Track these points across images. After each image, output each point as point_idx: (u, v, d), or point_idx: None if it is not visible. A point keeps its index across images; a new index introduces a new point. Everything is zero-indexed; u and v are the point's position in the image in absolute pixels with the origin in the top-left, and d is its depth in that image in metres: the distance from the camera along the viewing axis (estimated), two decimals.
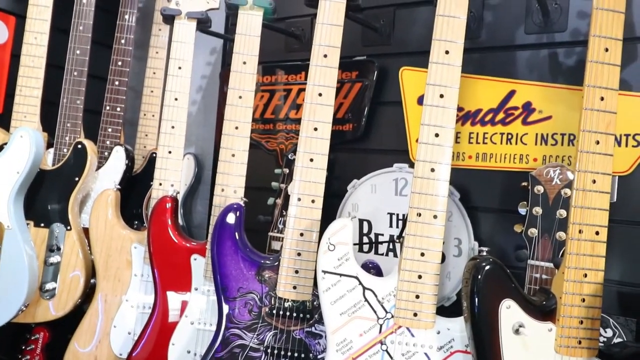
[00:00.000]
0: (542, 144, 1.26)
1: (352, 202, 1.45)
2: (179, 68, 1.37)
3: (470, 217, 1.30)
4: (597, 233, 0.90)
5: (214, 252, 1.12)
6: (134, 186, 1.67)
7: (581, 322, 0.89)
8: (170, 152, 1.36)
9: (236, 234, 1.13)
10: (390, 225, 1.39)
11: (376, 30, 1.49)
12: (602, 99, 0.90)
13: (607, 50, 0.90)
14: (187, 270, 1.25)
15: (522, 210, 1.15)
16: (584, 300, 0.89)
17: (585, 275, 0.89)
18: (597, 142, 0.90)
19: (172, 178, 1.36)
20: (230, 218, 1.13)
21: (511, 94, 1.29)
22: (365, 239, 1.43)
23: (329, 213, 1.45)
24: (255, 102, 1.67)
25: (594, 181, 0.90)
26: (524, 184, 1.15)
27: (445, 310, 1.28)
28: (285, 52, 1.67)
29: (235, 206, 1.14)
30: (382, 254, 1.40)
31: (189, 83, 1.38)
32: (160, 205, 1.27)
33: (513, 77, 1.30)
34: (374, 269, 1.11)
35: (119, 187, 1.41)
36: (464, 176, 1.34)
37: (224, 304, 1.11)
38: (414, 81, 1.42)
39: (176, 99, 1.37)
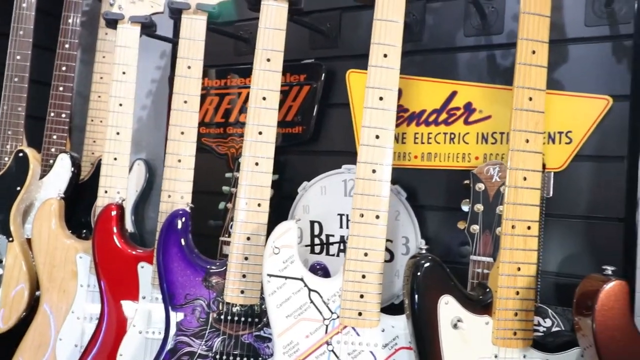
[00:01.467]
0: (483, 142, 1.30)
1: (303, 204, 1.46)
2: (123, 73, 1.35)
3: (417, 215, 1.33)
4: (529, 228, 0.94)
5: (160, 260, 1.11)
6: (82, 194, 1.63)
7: (516, 314, 0.92)
8: (115, 159, 1.33)
9: (182, 240, 1.12)
10: (341, 226, 1.41)
11: (323, 34, 1.50)
12: (530, 99, 0.93)
13: (534, 52, 0.94)
14: (134, 278, 1.24)
15: (465, 208, 1.18)
16: (518, 293, 0.93)
17: (519, 269, 0.93)
18: (527, 141, 0.94)
19: (118, 185, 1.33)
20: (176, 224, 1.12)
21: (453, 94, 1.33)
22: (317, 240, 1.44)
23: (281, 215, 1.46)
24: (205, 106, 1.66)
25: (525, 178, 0.94)
26: (466, 182, 1.18)
27: (395, 308, 1.31)
28: (235, 55, 1.67)
29: (180, 212, 1.13)
30: (334, 255, 1.42)
31: (133, 88, 1.36)
32: (105, 214, 1.25)
33: (454, 78, 1.33)
34: (322, 271, 1.12)
35: (62, 195, 1.38)
36: (411, 176, 1.37)
37: (171, 311, 1.10)
38: (361, 83, 1.44)
39: (121, 105, 1.34)
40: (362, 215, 1.00)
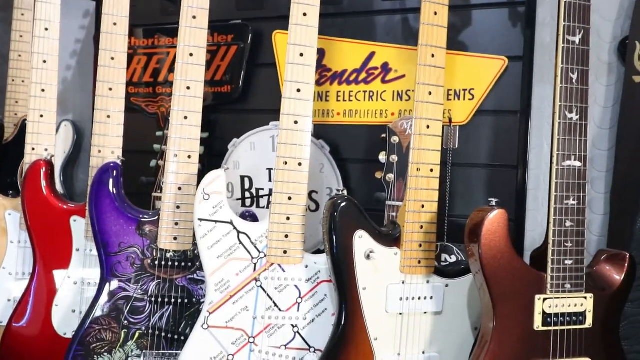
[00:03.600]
0: (398, 99, 1.42)
1: (233, 160, 1.53)
2: (46, 29, 1.33)
3: (339, 168, 1.44)
4: (431, 170, 1.07)
5: (93, 210, 1.15)
6: (6, 155, 1.60)
7: (420, 246, 1.05)
8: (42, 116, 1.33)
9: (114, 191, 1.16)
10: (270, 180, 1.49)
11: None
12: (432, 56, 1.05)
13: (436, 13, 1.05)
14: (67, 232, 1.26)
15: (382, 159, 1.30)
16: (422, 227, 1.06)
17: (423, 206, 1.06)
18: (430, 93, 1.06)
19: (45, 142, 1.34)
20: (108, 176, 1.16)
21: (371, 55, 1.43)
22: (247, 194, 1.52)
23: None
24: (133, 66, 1.66)
25: (428, 126, 1.06)
26: (383, 135, 1.29)
27: (321, 253, 1.42)
28: (161, 15, 1.67)
29: (112, 164, 1.17)
30: (263, 207, 1.50)
31: (57, 45, 1.35)
32: (34, 169, 1.26)
33: (373, 40, 1.43)
34: (250, 217, 1.20)
35: None
36: (334, 131, 1.47)
37: (105, 259, 1.15)
38: (286, 43, 1.50)
39: (45, 62, 1.34)
40: (285, 163, 1.09)
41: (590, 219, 1.33)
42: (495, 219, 0.93)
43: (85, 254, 1.27)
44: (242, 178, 1.52)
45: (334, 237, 1.01)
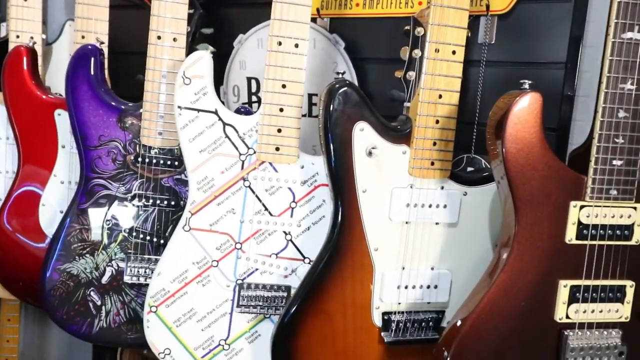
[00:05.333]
0: None
1: (239, 60, 1.37)
2: None
3: (355, 68, 1.26)
4: (453, 52, 0.88)
5: (69, 97, 1.03)
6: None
7: (434, 144, 0.88)
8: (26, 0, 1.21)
9: (92, 77, 1.04)
10: None
11: None
12: None
13: None
14: (52, 127, 1.17)
15: (404, 56, 1.11)
16: (438, 121, 0.88)
17: (440, 97, 0.88)
18: None
19: (31, 29, 1.22)
20: (85, 60, 1.03)
21: None
22: (254, 98, 1.37)
23: (217, 74, 1.37)
24: None
25: None
26: (407, 27, 1.09)
27: None
28: None
29: (90, 47, 1.04)
30: None
31: None
32: (14, 56, 1.15)
33: None
34: (245, 112, 1.06)
35: None
36: (351, 25, 1.28)
37: (84, 153, 1.05)
38: None
39: None
40: (280, 44, 0.93)
41: None
42: (525, 105, 0.74)
43: (71, 152, 1.17)
44: (249, 80, 1.37)
45: (329, 128, 0.86)
